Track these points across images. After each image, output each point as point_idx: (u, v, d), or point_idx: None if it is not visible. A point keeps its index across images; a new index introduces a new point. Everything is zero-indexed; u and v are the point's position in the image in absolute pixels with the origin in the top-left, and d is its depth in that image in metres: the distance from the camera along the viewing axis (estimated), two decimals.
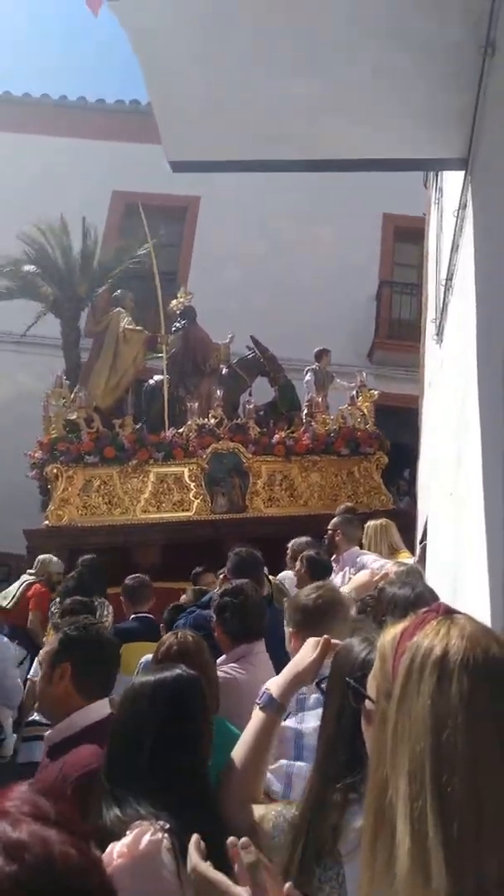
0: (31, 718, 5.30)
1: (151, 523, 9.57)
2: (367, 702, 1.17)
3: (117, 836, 1.61)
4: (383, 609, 2.55)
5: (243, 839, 1.16)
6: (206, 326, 11.34)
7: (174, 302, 11.49)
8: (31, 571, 7.76)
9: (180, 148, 3.57)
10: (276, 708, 1.86)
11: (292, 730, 2.22)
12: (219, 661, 3.28)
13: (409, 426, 10.60)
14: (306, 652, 1.89)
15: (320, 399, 10.58)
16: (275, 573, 5.95)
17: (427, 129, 3.41)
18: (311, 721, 2.14)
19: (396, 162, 3.92)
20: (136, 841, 1.60)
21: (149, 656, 3.45)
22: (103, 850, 1.55)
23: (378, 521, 5.83)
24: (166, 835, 1.62)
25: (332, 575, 5.29)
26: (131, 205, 14.49)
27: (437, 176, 6.79)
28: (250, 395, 10.90)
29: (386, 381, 12.06)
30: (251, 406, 10.46)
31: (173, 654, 2.52)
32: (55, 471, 9.68)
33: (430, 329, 6.68)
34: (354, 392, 10.54)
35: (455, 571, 3.49)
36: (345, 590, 3.83)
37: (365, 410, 10.28)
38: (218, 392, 10.60)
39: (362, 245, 14.47)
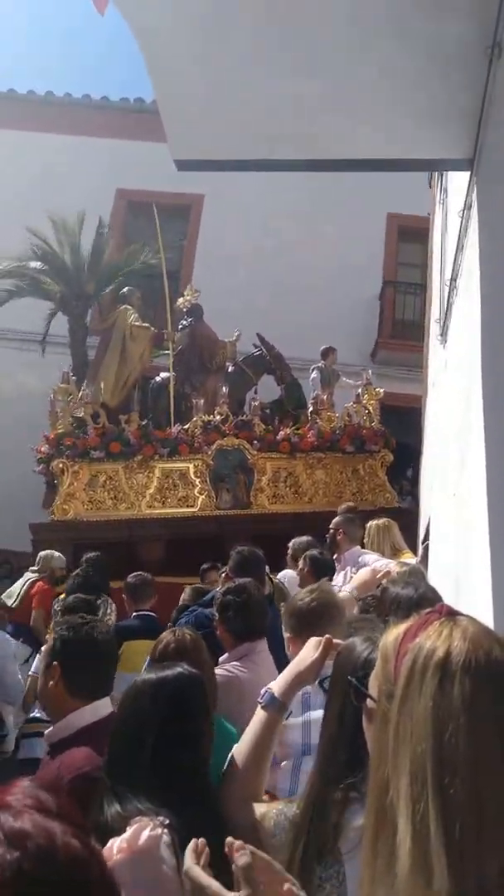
0: (31, 715, 5.32)
1: (156, 518, 9.61)
2: (368, 701, 1.18)
3: (118, 832, 1.62)
4: (386, 609, 2.55)
5: (237, 841, 1.16)
6: (211, 324, 11.38)
7: (181, 300, 11.52)
8: (34, 568, 7.77)
9: (186, 147, 3.57)
10: (278, 707, 1.87)
11: (298, 730, 2.23)
12: (221, 659, 3.29)
13: (411, 426, 10.60)
14: (308, 651, 1.89)
15: (326, 397, 10.60)
16: (279, 570, 5.97)
17: (432, 129, 3.41)
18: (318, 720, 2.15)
19: (401, 162, 3.91)
20: (135, 836, 1.60)
21: None
22: (103, 846, 1.56)
23: (380, 521, 5.82)
24: (166, 830, 1.62)
25: (334, 574, 5.30)
26: (134, 203, 14.51)
27: (441, 176, 6.78)
28: (256, 392, 10.92)
29: (389, 380, 12.05)
30: (256, 403, 10.48)
31: (171, 652, 2.53)
32: (61, 465, 9.73)
33: (433, 329, 6.68)
34: (360, 390, 10.56)
35: (457, 572, 3.49)
36: (347, 588, 3.84)
37: (370, 408, 10.30)
38: (223, 389, 10.63)
39: (366, 245, 14.46)
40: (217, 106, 3.32)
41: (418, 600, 2.37)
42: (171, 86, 3.28)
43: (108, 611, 6.13)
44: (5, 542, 9.57)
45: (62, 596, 5.92)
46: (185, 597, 5.49)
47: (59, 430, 9.92)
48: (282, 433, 10.09)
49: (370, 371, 11.36)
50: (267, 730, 1.86)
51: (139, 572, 5.88)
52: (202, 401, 10.59)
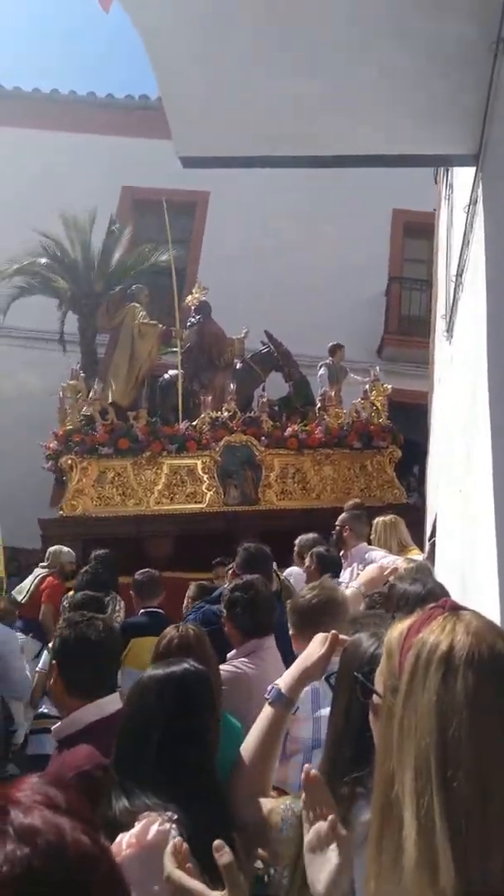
0: (40, 711, 5.35)
1: (164, 514, 9.64)
2: (374, 696, 1.19)
3: (126, 827, 1.63)
4: (393, 605, 2.56)
5: (217, 842, 1.17)
6: (218, 322, 11.38)
7: (189, 297, 11.53)
8: (44, 564, 7.80)
9: (191, 143, 3.57)
10: (285, 703, 1.87)
11: (308, 725, 2.24)
12: (229, 655, 3.30)
13: (418, 423, 10.59)
14: (314, 647, 1.90)
15: (333, 393, 10.59)
16: (287, 566, 5.98)
17: (438, 125, 3.41)
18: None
19: (407, 158, 3.90)
20: (144, 831, 1.61)
21: None
22: (112, 841, 1.57)
23: (387, 518, 5.83)
24: (174, 825, 1.63)
25: (341, 571, 5.31)
26: (139, 200, 14.50)
27: (447, 172, 6.76)
28: (264, 389, 10.92)
29: (395, 377, 12.01)
30: (264, 400, 10.49)
31: (174, 648, 2.53)
32: (70, 462, 9.78)
33: (440, 325, 6.66)
34: (367, 386, 10.55)
35: (464, 568, 3.49)
36: (354, 585, 3.85)
37: (378, 404, 10.29)
38: (231, 386, 10.65)
39: (372, 241, 14.43)
40: (220, 104, 3.32)
41: (425, 596, 2.38)
42: (175, 84, 3.29)
43: (117, 608, 6.15)
44: (13, 539, 9.58)
45: (71, 593, 5.94)
46: (190, 593, 5.51)
47: (68, 427, 9.98)
48: (289, 430, 10.10)
49: (378, 367, 11.34)
50: (274, 726, 1.87)
51: (147, 569, 5.89)
52: (210, 398, 10.62)
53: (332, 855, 1.23)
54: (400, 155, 3.76)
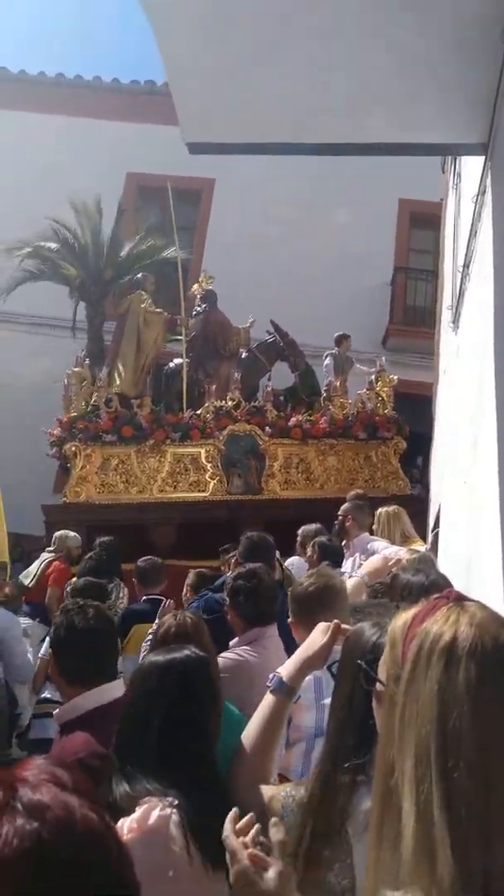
0: (42, 696, 5.37)
1: (167, 502, 9.66)
2: (377, 684, 1.19)
3: (127, 813, 1.64)
4: (396, 595, 2.56)
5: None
6: (223, 310, 11.34)
7: (195, 286, 11.49)
8: (50, 549, 7.83)
9: (198, 129, 3.54)
10: (287, 692, 1.88)
11: (311, 713, 2.25)
12: (231, 643, 3.31)
13: (422, 414, 10.57)
14: (317, 636, 1.90)
15: (339, 384, 10.57)
16: (290, 556, 5.99)
17: (447, 113, 3.38)
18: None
19: (415, 146, 3.87)
20: (145, 816, 1.62)
21: None
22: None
23: (389, 508, 5.83)
24: (175, 810, 1.64)
25: (343, 561, 5.31)
26: (144, 187, 14.44)
27: (455, 161, 6.72)
28: (269, 379, 10.91)
29: (399, 368, 11.98)
30: (269, 389, 10.48)
31: (171, 635, 2.52)
32: (74, 449, 9.80)
33: (445, 316, 6.64)
34: (373, 377, 10.53)
35: (469, 559, 3.49)
36: (358, 574, 3.85)
37: (384, 395, 10.27)
38: (236, 375, 10.63)
39: (378, 231, 14.37)
40: (228, 89, 3.30)
41: (429, 587, 2.38)
42: (183, 68, 3.26)
43: (120, 594, 6.17)
44: (17, 525, 9.60)
45: (74, 579, 5.96)
46: (189, 581, 5.52)
47: (73, 414, 9.99)
48: (294, 419, 10.09)
49: (384, 358, 11.31)
50: (275, 714, 1.87)
51: (149, 556, 5.91)
52: (214, 387, 10.61)
53: None
54: (409, 143, 3.73)
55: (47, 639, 5.66)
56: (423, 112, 3.36)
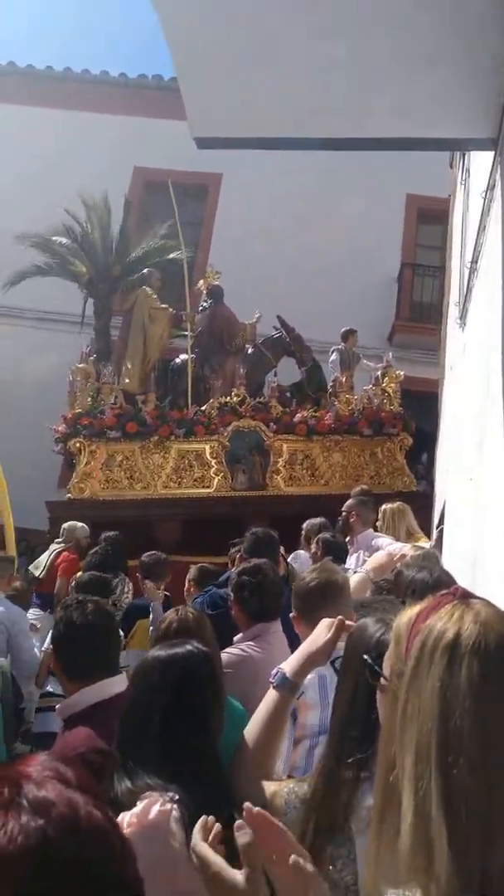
0: (46, 690, 5.38)
1: (172, 499, 9.66)
2: (382, 680, 1.18)
3: (128, 808, 1.63)
4: (401, 592, 2.56)
5: (238, 822, 1.17)
6: (228, 305, 11.32)
7: (201, 281, 11.48)
8: (59, 540, 7.85)
9: (206, 124, 3.53)
10: (290, 687, 1.87)
11: (316, 711, 2.25)
12: (235, 639, 3.31)
13: (427, 410, 10.55)
14: (320, 632, 1.90)
15: (344, 379, 10.55)
16: (294, 551, 5.98)
17: (456, 108, 3.36)
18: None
19: (424, 141, 3.85)
20: (145, 811, 1.62)
21: None
22: None
23: (394, 505, 5.82)
24: (175, 806, 1.64)
25: (347, 557, 5.31)
26: (151, 182, 14.43)
27: (463, 156, 6.69)
28: (276, 374, 10.89)
29: (405, 364, 11.96)
30: (274, 385, 10.46)
31: (173, 631, 2.51)
32: (78, 445, 9.81)
33: (452, 312, 6.62)
34: (379, 373, 10.50)
35: (474, 556, 3.48)
36: (362, 570, 3.84)
37: (390, 391, 10.24)
38: (241, 371, 10.62)
39: (384, 226, 14.33)
40: (236, 83, 3.29)
41: (434, 584, 2.37)
42: (191, 62, 3.25)
43: (126, 589, 6.18)
44: (22, 520, 9.66)
45: (79, 574, 5.97)
46: (191, 576, 5.53)
47: (77, 410, 10.00)
48: (299, 415, 10.08)
49: (390, 354, 11.29)
50: (278, 710, 1.86)
51: (153, 552, 5.91)
52: (219, 382, 10.60)
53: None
54: (417, 138, 3.70)
55: (50, 632, 5.68)
56: (431, 107, 3.34)
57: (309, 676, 2.15)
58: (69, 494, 9.72)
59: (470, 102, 3.29)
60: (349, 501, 6.03)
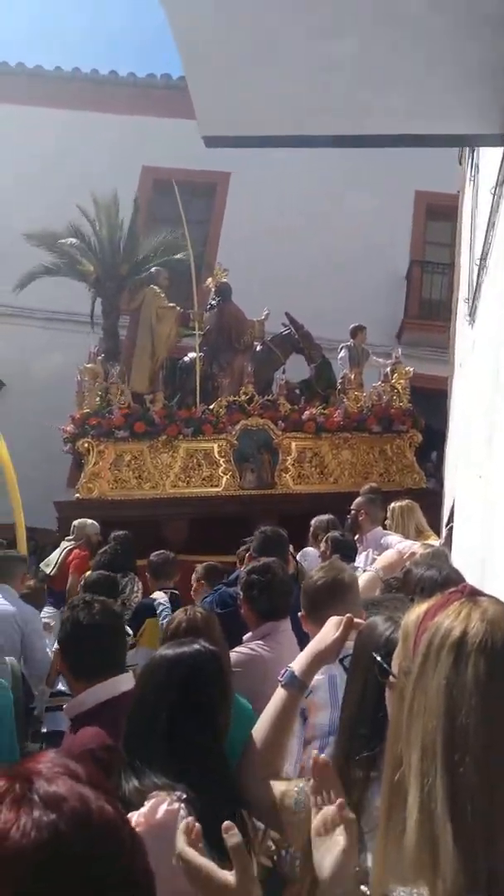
0: (56, 689, 5.39)
1: (180, 498, 9.67)
2: (390, 678, 1.18)
3: (136, 807, 1.63)
4: (410, 590, 2.55)
5: (226, 823, 1.17)
6: (236, 304, 11.32)
7: (209, 279, 11.48)
8: (70, 537, 7.87)
9: (215, 122, 3.52)
10: (298, 686, 1.87)
11: (326, 712, 2.24)
12: (245, 638, 3.31)
13: (437, 408, 10.52)
14: (329, 630, 1.89)
15: (353, 376, 10.53)
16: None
17: (464, 104, 3.34)
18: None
19: (433, 138, 3.83)
20: (152, 811, 1.62)
21: None
22: None
23: (403, 503, 5.81)
24: (183, 805, 1.64)
25: (356, 555, 5.30)
26: (160, 181, 14.44)
27: (472, 152, 6.66)
28: (284, 372, 10.88)
29: (414, 361, 11.92)
30: (282, 382, 10.45)
31: (182, 631, 2.51)
32: (87, 445, 9.83)
33: (461, 309, 6.59)
34: (388, 369, 10.48)
35: (484, 554, 3.47)
36: (372, 568, 3.84)
37: (399, 387, 10.21)
38: (249, 368, 10.61)
39: (393, 223, 14.30)
40: (245, 81, 3.28)
41: (443, 582, 2.36)
42: (199, 60, 3.24)
43: (135, 588, 6.19)
44: (30, 519, 9.70)
45: (88, 573, 5.98)
46: (197, 574, 5.53)
47: (85, 410, 10.01)
48: (307, 413, 10.06)
49: (400, 350, 11.25)
50: (287, 708, 1.86)
51: (162, 551, 5.92)
52: (227, 380, 10.59)
53: (339, 839, 1.23)
54: (426, 135, 3.69)
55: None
56: (440, 103, 3.33)
57: (319, 677, 2.14)
58: (78, 494, 9.74)
59: (479, 99, 3.27)
60: (358, 499, 6.02)
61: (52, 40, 25.31)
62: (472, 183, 6.61)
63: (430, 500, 7.78)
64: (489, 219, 4.16)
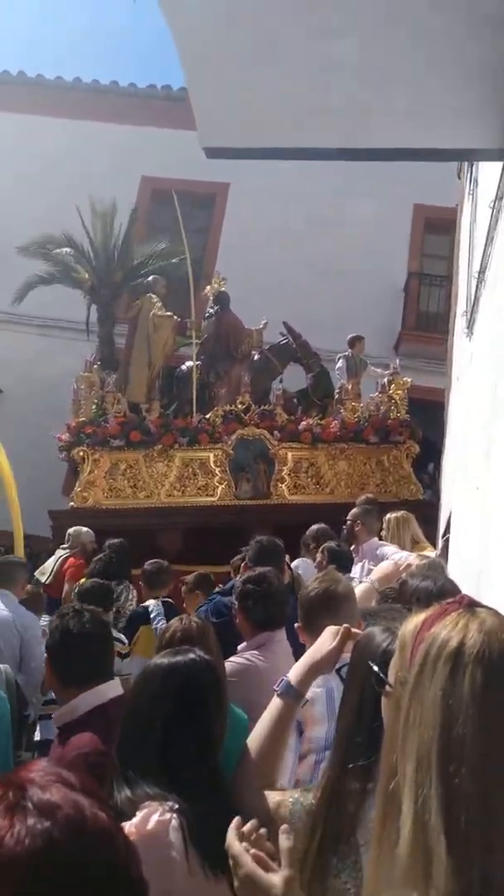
0: (49, 697, 5.37)
1: (175, 507, 9.65)
2: (387, 688, 1.18)
3: (127, 817, 1.62)
4: (406, 601, 2.54)
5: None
6: (234, 313, 11.34)
7: (208, 287, 11.49)
8: (65, 546, 7.86)
9: (215, 134, 3.53)
10: (294, 695, 1.86)
11: (323, 724, 2.23)
12: (239, 647, 3.30)
13: (433, 420, 10.52)
14: (325, 640, 1.89)
15: (351, 386, 10.54)
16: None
17: (464, 118, 3.36)
18: None
19: (433, 152, 3.84)
20: (144, 820, 1.61)
21: None
22: None
23: (398, 514, 5.81)
24: (174, 815, 1.63)
25: (352, 566, 5.29)
26: (159, 191, 14.49)
27: (471, 166, 6.69)
28: (281, 381, 10.89)
29: (411, 373, 11.94)
30: (279, 392, 10.45)
31: (177, 640, 2.51)
32: (82, 453, 9.80)
33: (459, 322, 6.61)
34: (386, 380, 10.49)
35: (481, 565, 3.47)
36: (368, 580, 3.83)
37: (397, 398, 10.22)
38: (246, 378, 10.61)
39: (391, 235, 14.35)
40: (252, 90, 3.29)
41: (438, 593, 2.36)
42: (201, 71, 3.26)
43: (130, 596, 6.17)
44: (25, 525, 9.69)
45: (82, 581, 5.97)
46: (187, 586, 5.52)
47: (81, 419, 10.00)
48: (304, 423, 10.06)
49: (397, 360, 11.27)
50: (282, 718, 1.85)
51: (156, 559, 5.91)
52: (224, 390, 10.59)
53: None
54: (426, 149, 3.70)
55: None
56: (439, 117, 3.34)
57: (317, 690, 2.14)
58: (72, 503, 9.71)
59: (478, 113, 3.29)
60: (354, 510, 6.02)
61: (54, 50, 25.44)
62: (470, 197, 6.64)
63: (427, 512, 7.78)
64: (488, 233, 4.18)
